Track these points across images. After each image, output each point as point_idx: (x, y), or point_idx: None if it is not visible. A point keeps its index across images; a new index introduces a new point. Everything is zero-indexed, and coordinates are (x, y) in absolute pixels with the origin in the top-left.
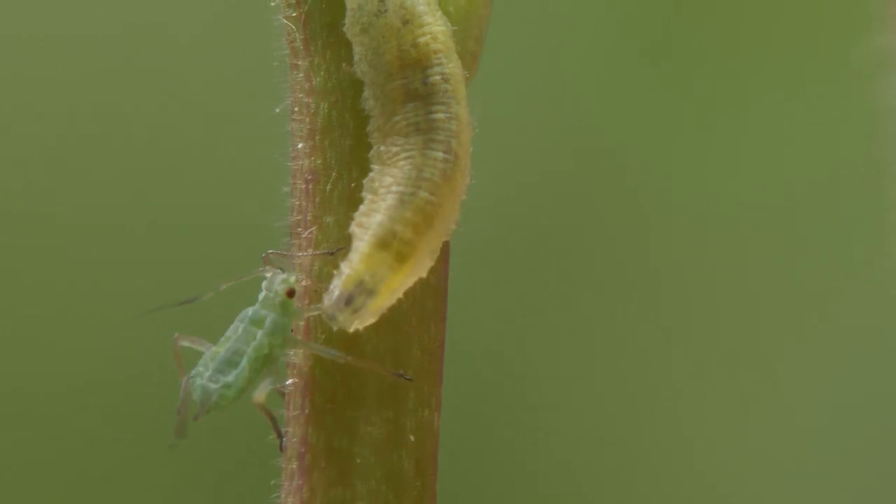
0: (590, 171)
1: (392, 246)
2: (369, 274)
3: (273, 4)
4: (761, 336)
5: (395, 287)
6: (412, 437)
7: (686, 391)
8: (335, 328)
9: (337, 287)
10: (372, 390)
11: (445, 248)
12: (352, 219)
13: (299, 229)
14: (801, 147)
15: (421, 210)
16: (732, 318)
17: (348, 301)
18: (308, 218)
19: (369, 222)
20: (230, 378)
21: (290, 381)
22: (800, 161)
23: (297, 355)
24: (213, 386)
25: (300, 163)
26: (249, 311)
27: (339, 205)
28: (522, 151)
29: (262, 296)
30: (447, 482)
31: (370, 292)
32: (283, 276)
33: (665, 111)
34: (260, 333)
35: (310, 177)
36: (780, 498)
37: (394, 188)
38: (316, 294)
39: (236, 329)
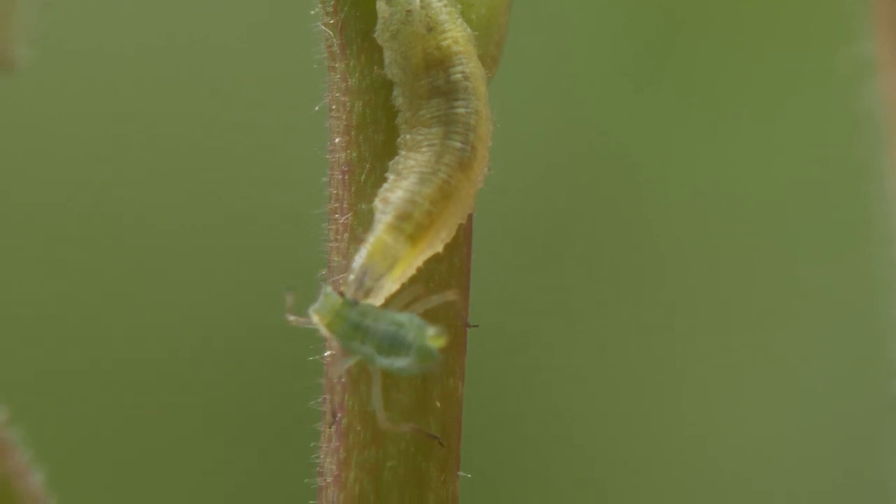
0: (598, 163)
1: (412, 218)
2: (391, 243)
3: (313, 13)
4: (765, 318)
5: (413, 259)
6: (438, 404)
7: (692, 373)
8: (360, 299)
9: (360, 258)
10: None
11: (468, 232)
12: None
13: (336, 216)
14: (791, 144)
15: (439, 188)
16: (735, 304)
17: (368, 271)
18: (344, 206)
19: (392, 198)
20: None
21: (327, 353)
22: (790, 158)
23: None
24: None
25: (337, 156)
26: (343, 330)
27: (372, 194)
28: (537, 144)
29: (332, 319)
30: (469, 444)
31: (392, 262)
32: (323, 296)
33: (668, 107)
34: (368, 321)
35: (346, 168)
36: (790, 484)
37: (416, 169)
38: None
39: (351, 345)
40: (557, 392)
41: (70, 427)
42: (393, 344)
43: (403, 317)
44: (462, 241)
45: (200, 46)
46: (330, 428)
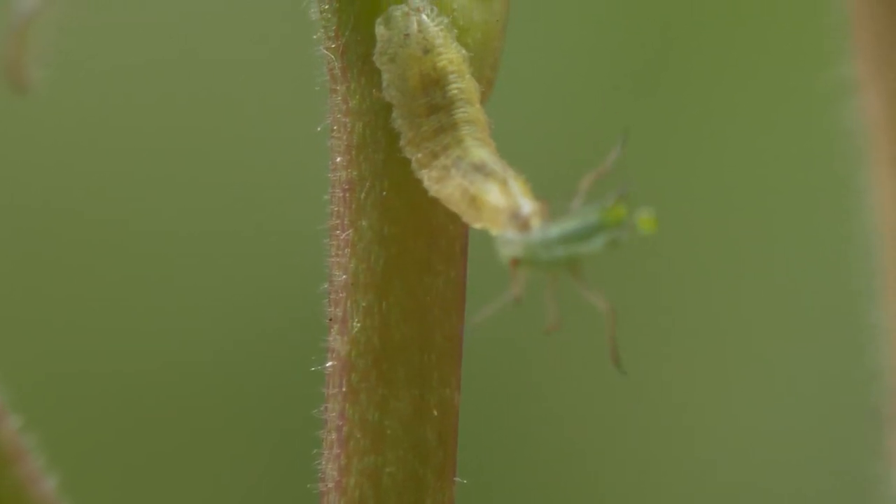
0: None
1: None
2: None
3: (315, 38)
4: (753, 324)
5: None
6: (435, 413)
7: (684, 378)
8: (525, 229)
9: (496, 199)
10: (400, 371)
11: (464, 244)
12: (385, 223)
13: (337, 231)
14: (778, 157)
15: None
16: (725, 310)
17: (518, 208)
18: (345, 222)
19: (469, 162)
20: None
21: (329, 364)
22: (778, 170)
23: (335, 341)
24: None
25: (338, 174)
26: (541, 255)
27: (371, 210)
28: (535, 157)
29: (526, 255)
30: (465, 452)
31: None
32: (503, 245)
33: (662, 121)
34: (552, 233)
35: (347, 186)
36: (785, 487)
37: (454, 154)
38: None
39: (555, 258)
40: (552, 398)
41: (82, 433)
42: (585, 233)
43: (576, 212)
44: (458, 254)
45: (212, 69)
46: None
